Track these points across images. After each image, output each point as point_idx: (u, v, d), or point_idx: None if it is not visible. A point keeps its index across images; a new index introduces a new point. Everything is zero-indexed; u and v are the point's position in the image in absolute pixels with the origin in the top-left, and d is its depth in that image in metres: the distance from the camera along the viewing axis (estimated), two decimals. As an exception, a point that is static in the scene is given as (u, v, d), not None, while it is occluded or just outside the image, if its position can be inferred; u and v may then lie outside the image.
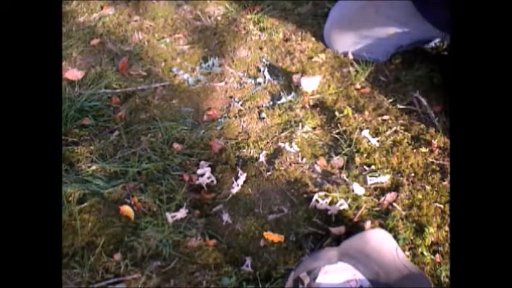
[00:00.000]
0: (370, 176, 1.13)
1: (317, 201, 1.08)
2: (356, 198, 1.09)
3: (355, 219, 1.06)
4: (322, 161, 1.18)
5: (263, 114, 1.31)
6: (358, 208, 1.08)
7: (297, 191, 1.12)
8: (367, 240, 0.94)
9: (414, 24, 1.34)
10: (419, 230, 1.03)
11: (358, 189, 1.11)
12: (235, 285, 0.95)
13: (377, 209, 1.08)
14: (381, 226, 1.04)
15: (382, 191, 1.11)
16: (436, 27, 1.31)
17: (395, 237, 1.01)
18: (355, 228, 1.04)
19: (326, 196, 1.09)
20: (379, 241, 0.94)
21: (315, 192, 1.10)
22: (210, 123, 1.30)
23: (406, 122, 1.27)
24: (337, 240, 1.02)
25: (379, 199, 1.10)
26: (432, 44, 1.46)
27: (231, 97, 1.38)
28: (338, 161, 1.18)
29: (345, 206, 1.08)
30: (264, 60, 1.48)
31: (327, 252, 0.93)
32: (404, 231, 1.03)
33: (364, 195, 1.10)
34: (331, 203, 1.08)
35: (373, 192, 1.11)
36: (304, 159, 1.18)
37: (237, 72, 1.45)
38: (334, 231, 1.04)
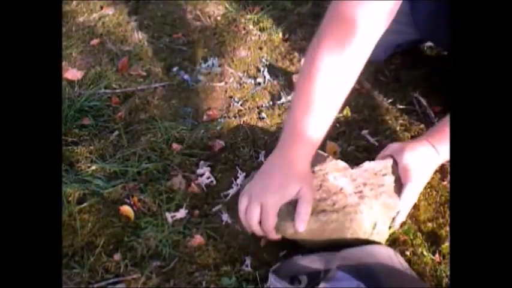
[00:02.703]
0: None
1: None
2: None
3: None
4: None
5: (263, 114, 1.31)
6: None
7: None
8: (368, 251, 0.93)
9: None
10: (420, 230, 1.03)
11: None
12: (235, 285, 0.95)
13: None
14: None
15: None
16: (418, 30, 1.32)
17: (395, 238, 1.01)
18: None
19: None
20: (381, 254, 0.93)
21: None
22: (209, 123, 1.30)
23: (406, 122, 1.27)
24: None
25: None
26: (431, 43, 1.46)
27: (230, 97, 1.37)
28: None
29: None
30: (263, 60, 1.48)
31: (325, 256, 0.92)
32: (407, 227, 1.02)
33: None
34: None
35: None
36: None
37: (236, 72, 1.45)
38: None
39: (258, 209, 0.92)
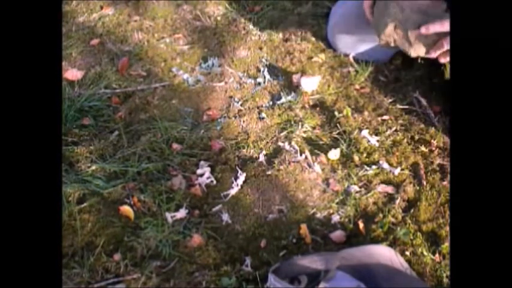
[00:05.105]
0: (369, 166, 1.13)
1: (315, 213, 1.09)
2: (355, 198, 1.10)
3: (354, 222, 1.06)
4: (321, 160, 1.18)
5: (263, 114, 1.31)
6: (357, 210, 1.08)
7: (296, 191, 1.12)
8: (368, 252, 0.93)
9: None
10: (420, 230, 1.03)
11: (356, 190, 1.11)
12: (235, 285, 0.95)
13: (376, 210, 1.08)
14: (381, 227, 1.04)
15: (382, 192, 1.11)
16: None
17: (394, 238, 1.01)
18: (354, 231, 1.05)
19: (325, 209, 1.09)
20: (381, 254, 0.93)
21: (313, 195, 1.10)
22: (209, 123, 1.30)
23: (406, 122, 1.27)
24: (336, 243, 1.02)
25: (379, 200, 1.10)
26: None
27: (230, 97, 1.37)
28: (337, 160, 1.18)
29: (343, 212, 1.08)
30: (263, 60, 1.48)
31: (325, 256, 0.92)
32: (405, 231, 1.03)
33: (363, 196, 1.10)
34: (331, 213, 1.09)
35: (373, 193, 1.11)
36: (304, 158, 1.18)
37: (236, 72, 1.45)
38: (333, 236, 1.04)
39: None
